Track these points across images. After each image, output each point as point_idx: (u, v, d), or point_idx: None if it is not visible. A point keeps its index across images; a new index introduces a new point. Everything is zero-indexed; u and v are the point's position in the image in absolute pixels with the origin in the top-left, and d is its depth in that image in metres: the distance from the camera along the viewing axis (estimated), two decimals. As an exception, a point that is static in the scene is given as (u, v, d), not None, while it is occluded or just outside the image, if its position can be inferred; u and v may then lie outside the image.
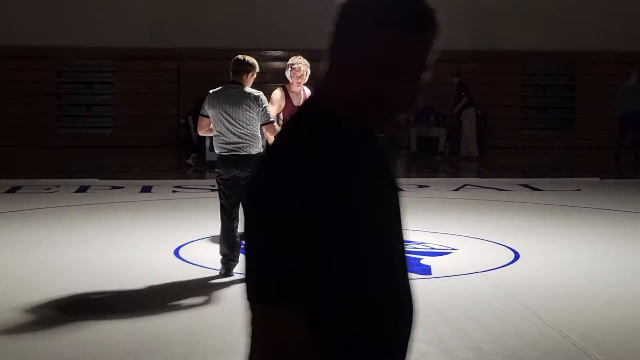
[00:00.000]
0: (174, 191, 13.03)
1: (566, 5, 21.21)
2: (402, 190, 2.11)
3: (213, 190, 12.02)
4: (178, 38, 20.57)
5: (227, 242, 7.43)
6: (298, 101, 8.98)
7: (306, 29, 20.73)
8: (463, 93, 18.97)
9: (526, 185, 13.74)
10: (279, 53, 21.03)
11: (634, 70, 18.55)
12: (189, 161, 16.93)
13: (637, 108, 18.21)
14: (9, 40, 20.18)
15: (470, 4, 21.19)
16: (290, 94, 8.75)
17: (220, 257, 7.46)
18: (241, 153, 7.34)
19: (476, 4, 21.23)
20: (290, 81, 8.72)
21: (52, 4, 20.42)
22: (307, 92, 9.27)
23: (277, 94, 8.80)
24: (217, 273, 7.43)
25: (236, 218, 7.48)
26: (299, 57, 8.87)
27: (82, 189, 12.99)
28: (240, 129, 7.32)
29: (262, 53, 20.34)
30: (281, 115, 9.01)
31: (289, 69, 8.71)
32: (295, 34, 20.68)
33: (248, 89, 7.45)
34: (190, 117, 17.88)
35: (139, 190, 13.07)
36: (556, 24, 21.14)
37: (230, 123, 7.32)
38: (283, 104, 8.71)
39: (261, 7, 20.81)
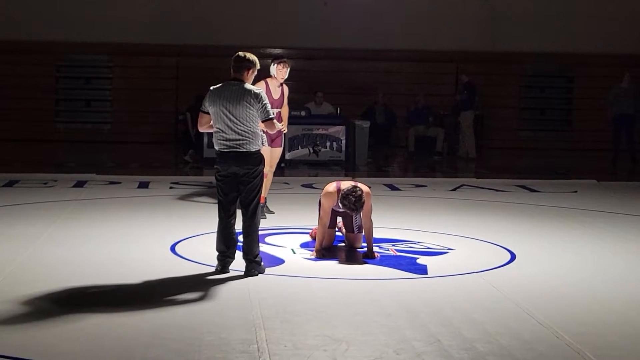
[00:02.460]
0: (171, 187, 13.02)
1: (565, 8, 21.23)
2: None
3: (210, 187, 12.04)
4: (177, 34, 20.56)
5: (224, 239, 7.43)
6: (277, 95, 10.08)
7: (306, 26, 20.79)
8: (465, 92, 18.95)
9: (523, 187, 13.76)
10: (278, 51, 21.00)
11: (626, 73, 18.58)
12: (187, 158, 16.94)
13: (629, 111, 18.26)
14: (8, 34, 20.17)
15: (469, 6, 21.21)
16: (271, 87, 10.04)
17: (217, 253, 7.46)
18: (241, 150, 7.32)
19: (475, 5, 21.24)
20: (275, 76, 10.01)
21: (52, -1, 20.43)
22: (286, 88, 10.33)
23: (260, 86, 9.69)
24: (213, 269, 7.44)
25: (234, 215, 7.48)
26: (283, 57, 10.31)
27: (80, 184, 13.00)
28: (240, 125, 7.30)
29: (261, 51, 20.30)
30: None
31: (275, 65, 10.01)
32: (295, 32, 20.73)
33: (248, 85, 7.43)
34: (188, 114, 17.88)
35: (136, 186, 13.07)
36: (555, 26, 21.17)
37: (230, 120, 7.30)
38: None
39: (261, 5, 20.81)
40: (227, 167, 7.36)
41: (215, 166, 7.52)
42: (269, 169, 10.10)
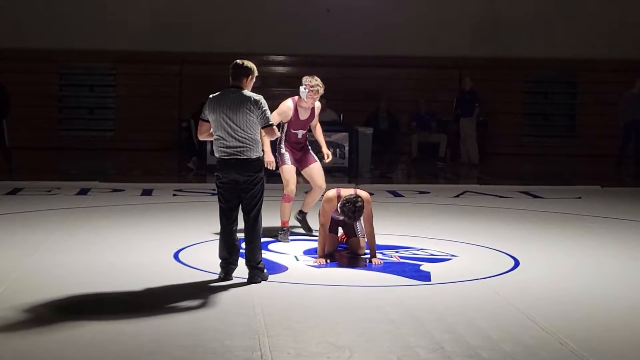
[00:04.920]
0: (174, 194, 13.04)
1: (568, 13, 21.22)
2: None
3: (213, 194, 12.02)
4: (180, 42, 20.58)
5: (227, 246, 7.43)
6: (305, 116, 9.39)
7: (309, 33, 20.80)
8: (477, 105, 18.91)
9: (527, 193, 13.75)
10: (281, 58, 21.06)
11: (638, 79, 18.55)
12: (190, 165, 16.95)
13: None
14: (12, 42, 20.20)
15: (472, 12, 21.21)
16: (299, 109, 9.35)
17: (220, 260, 7.46)
18: (241, 157, 7.31)
19: (478, 11, 21.25)
20: (304, 99, 9.24)
21: (55, 7, 20.45)
22: (317, 105, 9.50)
23: (288, 104, 9.36)
24: (216, 277, 7.44)
25: (235, 221, 7.47)
26: (315, 77, 9.27)
27: (83, 192, 13.01)
28: (241, 132, 7.30)
29: (264, 57, 20.37)
30: (285, 126, 9.36)
31: (307, 89, 9.15)
32: (297, 39, 20.73)
33: (248, 92, 7.43)
34: (192, 121, 17.90)
35: (140, 193, 13.08)
36: (557, 31, 21.16)
37: (230, 127, 7.29)
38: (290, 114, 9.30)
39: (264, 12, 20.82)
40: (228, 174, 7.35)
41: (215, 173, 7.51)
42: (293, 189, 9.27)
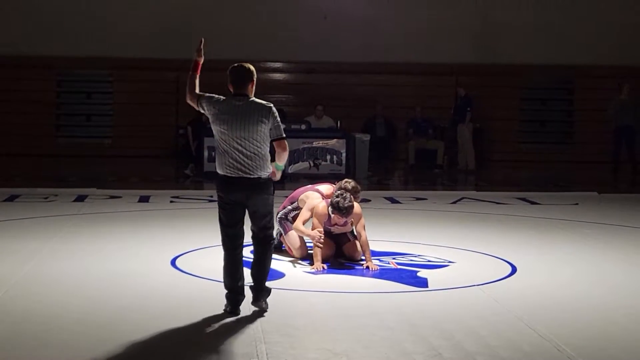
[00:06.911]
0: (171, 201, 13.03)
1: (565, 19, 21.26)
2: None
3: (210, 200, 12.03)
4: (177, 49, 20.55)
5: (232, 273, 6.56)
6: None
7: (306, 40, 20.83)
8: (469, 109, 18.97)
9: (524, 199, 13.75)
10: (278, 64, 21.06)
11: (625, 84, 18.65)
12: (187, 171, 16.95)
13: (629, 122, 18.35)
14: (9, 49, 20.20)
15: (469, 19, 21.24)
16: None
17: (226, 292, 6.57)
18: (252, 176, 6.41)
19: (475, 19, 21.28)
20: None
21: (52, 14, 20.46)
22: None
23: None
24: (213, 282, 7.37)
25: (241, 246, 6.64)
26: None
27: (80, 199, 12.99)
28: (251, 147, 6.41)
29: (261, 64, 20.36)
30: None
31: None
32: (295, 46, 20.75)
33: (257, 100, 6.54)
34: (189, 128, 17.90)
35: (137, 200, 13.07)
36: (555, 37, 21.20)
37: (238, 142, 6.41)
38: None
39: (261, 18, 20.84)
40: (234, 195, 6.46)
41: (218, 193, 6.60)
42: (301, 254, 8.55)
